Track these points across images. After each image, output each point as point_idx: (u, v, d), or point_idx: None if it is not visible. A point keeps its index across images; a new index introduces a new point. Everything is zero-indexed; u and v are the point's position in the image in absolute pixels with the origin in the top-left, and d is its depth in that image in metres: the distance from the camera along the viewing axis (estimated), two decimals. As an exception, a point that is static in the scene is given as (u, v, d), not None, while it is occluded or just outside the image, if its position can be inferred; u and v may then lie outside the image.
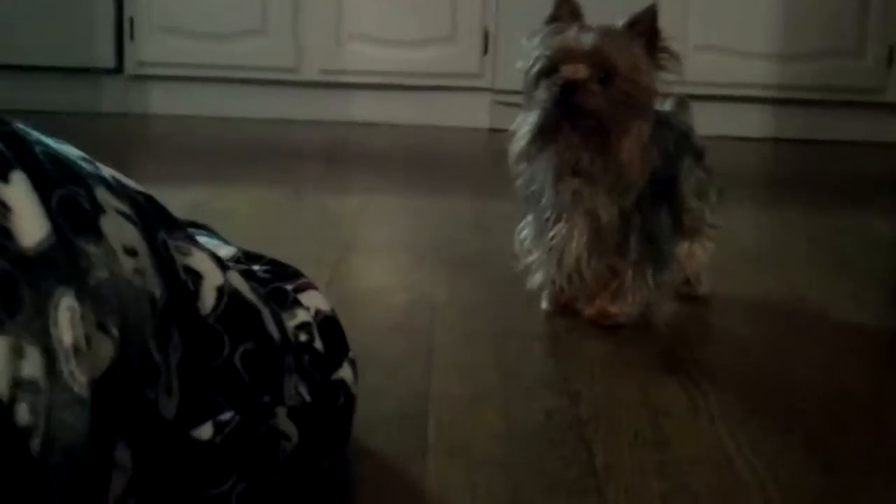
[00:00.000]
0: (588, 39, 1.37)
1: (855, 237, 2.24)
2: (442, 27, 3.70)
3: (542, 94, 1.38)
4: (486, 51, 3.67)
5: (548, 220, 1.48)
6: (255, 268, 1.06)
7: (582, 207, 1.45)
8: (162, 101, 3.79)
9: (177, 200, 1.34)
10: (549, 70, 1.38)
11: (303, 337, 0.97)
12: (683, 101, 1.66)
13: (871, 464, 1.09)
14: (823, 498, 1.02)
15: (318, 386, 0.95)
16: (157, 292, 0.76)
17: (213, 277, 0.85)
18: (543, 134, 1.39)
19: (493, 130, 3.55)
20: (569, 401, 1.23)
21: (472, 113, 3.71)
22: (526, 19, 1.48)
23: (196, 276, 0.84)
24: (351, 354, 1.05)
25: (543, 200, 1.47)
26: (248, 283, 0.91)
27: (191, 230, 0.91)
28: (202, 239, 0.96)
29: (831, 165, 3.31)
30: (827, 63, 3.64)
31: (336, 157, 3.19)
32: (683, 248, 1.62)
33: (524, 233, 1.53)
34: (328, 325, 1.03)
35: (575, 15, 1.41)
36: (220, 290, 0.85)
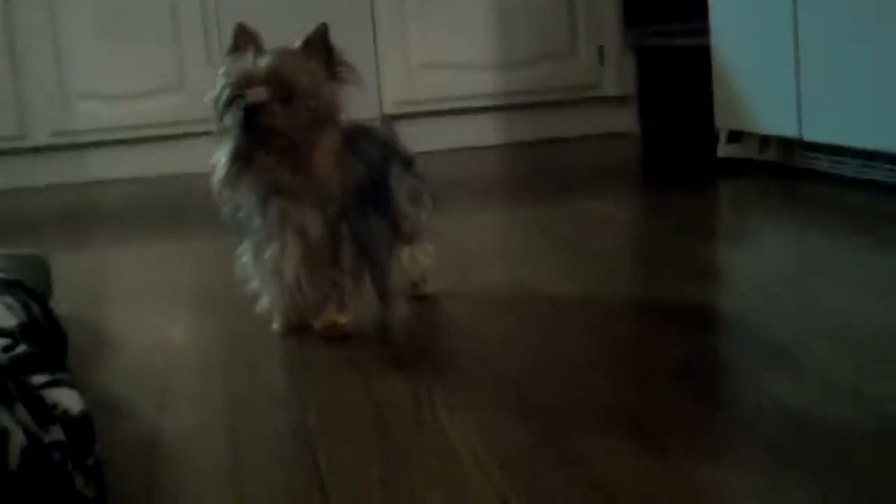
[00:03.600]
0: (265, 63, 1.43)
1: (573, 221, 2.38)
2: (169, 76, 3.68)
3: (230, 121, 1.42)
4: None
5: (261, 242, 1.52)
6: (20, 349, 1.03)
7: (291, 225, 1.49)
8: None
9: None
10: (233, 97, 1.43)
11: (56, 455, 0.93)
12: (385, 119, 1.74)
13: (602, 441, 1.13)
14: (547, 475, 1.06)
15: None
16: None
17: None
18: (239, 160, 1.43)
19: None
20: (298, 412, 1.27)
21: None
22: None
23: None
24: (91, 461, 1.00)
25: (253, 224, 1.51)
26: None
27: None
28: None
29: (557, 161, 3.50)
30: (544, 67, 3.84)
31: (75, 216, 3.12)
32: (405, 252, 1.69)
33: (243, 259, 1.57)
34: (75, 427, 0.98)
35: (253, 42, 1.46)
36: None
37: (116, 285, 2.15)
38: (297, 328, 1.59)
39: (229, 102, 1.43)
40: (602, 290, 1.78)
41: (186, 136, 3.66)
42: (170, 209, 3.12)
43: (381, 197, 1.59)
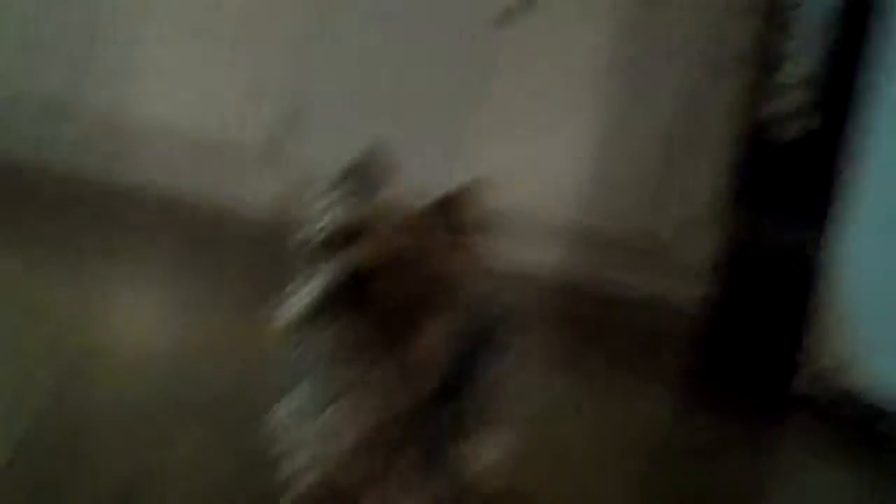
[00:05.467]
0: (383, 218, 1.20)
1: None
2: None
3: (325, 270, 1.18)
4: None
5: (326, 395, 1.24)
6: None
7: (365, 394, 1.22)
8: None
9: None
10: (336, 244, 1.19)
11: None
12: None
13: None
14: None
15: None
16: None
17: None
18: (324, 313, 1.18)
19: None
20: None
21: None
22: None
23: None
24: None
25: (325, 372, 1.24)
26: None
27: None
28: None
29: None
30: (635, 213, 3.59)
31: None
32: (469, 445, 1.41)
33: (287, 410, 1.28)
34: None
35: (373, 181, 1.24)
36: None
37: None
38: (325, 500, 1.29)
39: (330, 248, 1.19)
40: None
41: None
42: None
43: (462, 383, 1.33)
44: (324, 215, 1.22)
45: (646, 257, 3.62)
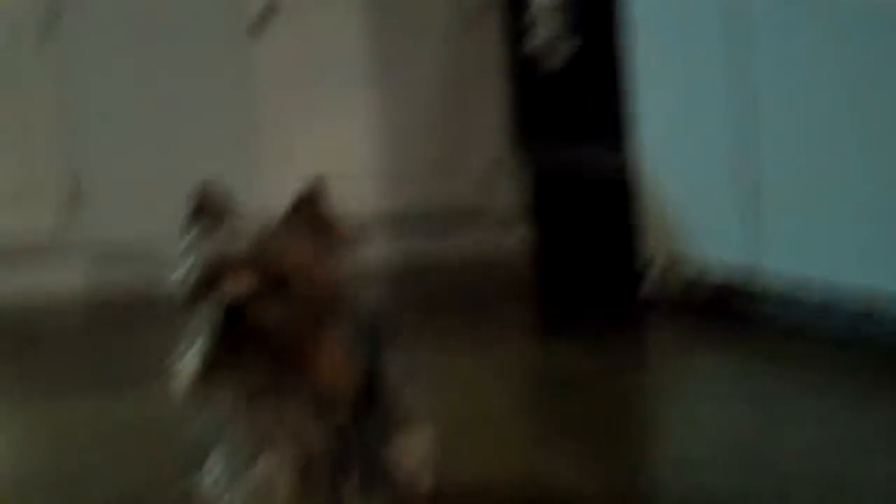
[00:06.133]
0: (246, 241, 1.12)
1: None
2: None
3: (202, 317, 1.09)
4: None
5: (243, 456, 1.18)
6: None
7: (288, 434, 1.16)
8: None
9: None
10: (207, 284, 1.10)
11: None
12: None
13: None
14: None
15: None
16: None
17: None
18: (216, 367, 1.09)
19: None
20: None
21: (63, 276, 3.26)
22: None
23: None
24: None
25: (234, 435, 1.17)
26: None
27: None
28: None
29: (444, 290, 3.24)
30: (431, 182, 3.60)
31: None
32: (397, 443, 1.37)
33: (211, 476, 1.20)
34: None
35: (222, 205, 1.16)
36: None
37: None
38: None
39: (200, 293, 1.10)
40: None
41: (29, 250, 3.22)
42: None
43: (375, 387, 1.28)
44: (185, 260, 1.13)
45: (460, 218, 3.65)
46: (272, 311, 1.09)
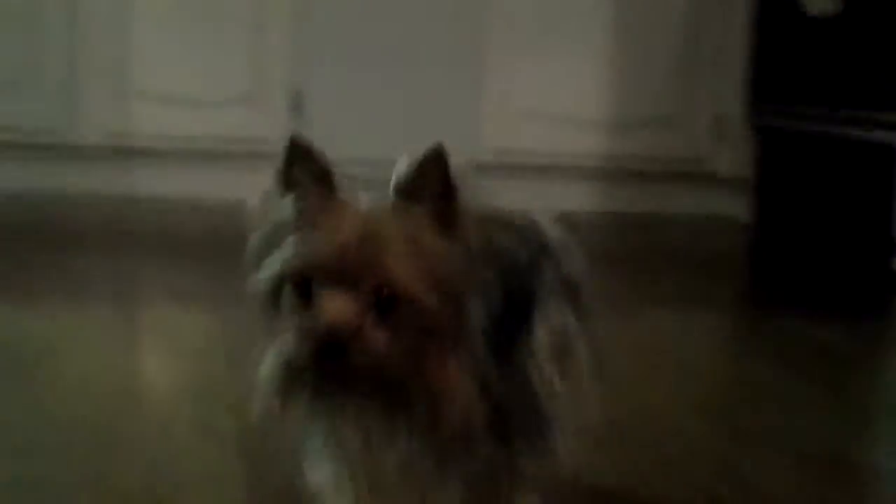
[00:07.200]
0: (353, 238, 0.85)
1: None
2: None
3: (292, 326, 0.87)
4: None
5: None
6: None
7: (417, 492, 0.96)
8: None
9: None
10: (299, 288, 0.87)
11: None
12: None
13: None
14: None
15: None
16: None
17: None
18: (299, 388, 0.89)
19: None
20: None
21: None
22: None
23: None
24: None
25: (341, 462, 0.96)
26: None
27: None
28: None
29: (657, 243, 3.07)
30: (654, 134, 3.43)
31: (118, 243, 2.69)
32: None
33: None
34: None
35: (321, 173, 0.90)
36: None
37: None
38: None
39: (295, 295, 0.88)
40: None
41: (253, 156, 3.27)
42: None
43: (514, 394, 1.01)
44: (271, 247, 0.89)
45: (686, 177, 3.48)
46: (377, 343, 0.86)
